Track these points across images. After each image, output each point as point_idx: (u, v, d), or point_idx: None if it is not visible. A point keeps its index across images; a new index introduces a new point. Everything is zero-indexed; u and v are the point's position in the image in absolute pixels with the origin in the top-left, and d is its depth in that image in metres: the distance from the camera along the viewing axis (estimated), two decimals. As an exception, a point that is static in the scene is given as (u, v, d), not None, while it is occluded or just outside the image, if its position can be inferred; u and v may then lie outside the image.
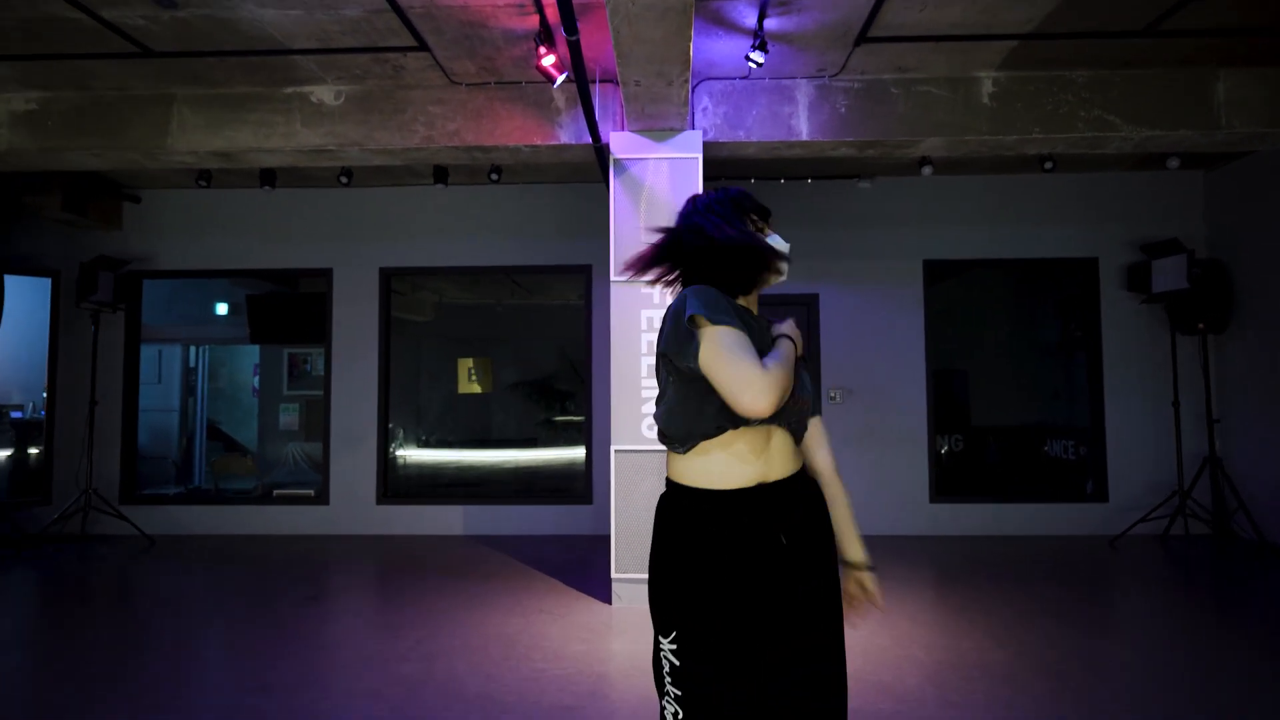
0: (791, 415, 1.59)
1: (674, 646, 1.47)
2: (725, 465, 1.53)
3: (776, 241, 1.68)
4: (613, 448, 4.63)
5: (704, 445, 1.54)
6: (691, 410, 1.54)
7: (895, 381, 6.83)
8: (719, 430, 1.52)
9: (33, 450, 7.08)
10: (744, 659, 1.45)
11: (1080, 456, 7.03)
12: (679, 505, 1.56)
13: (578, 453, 7.27)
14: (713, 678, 1.43)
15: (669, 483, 1.61)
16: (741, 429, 1.53)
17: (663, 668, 1.49)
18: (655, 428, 1.64)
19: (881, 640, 3.87)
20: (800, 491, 1.60)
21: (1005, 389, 7.74)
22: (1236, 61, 4.72)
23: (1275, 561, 5.54)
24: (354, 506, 6.95)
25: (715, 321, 1.46)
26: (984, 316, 7.81)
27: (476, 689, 3.28)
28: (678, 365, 1.53)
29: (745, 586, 1.47)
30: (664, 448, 1.62)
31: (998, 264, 7.05)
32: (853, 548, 1.71)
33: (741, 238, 1.61)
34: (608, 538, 5.74)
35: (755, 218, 1.71)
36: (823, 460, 1.73)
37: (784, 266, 1.66)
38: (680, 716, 1.45)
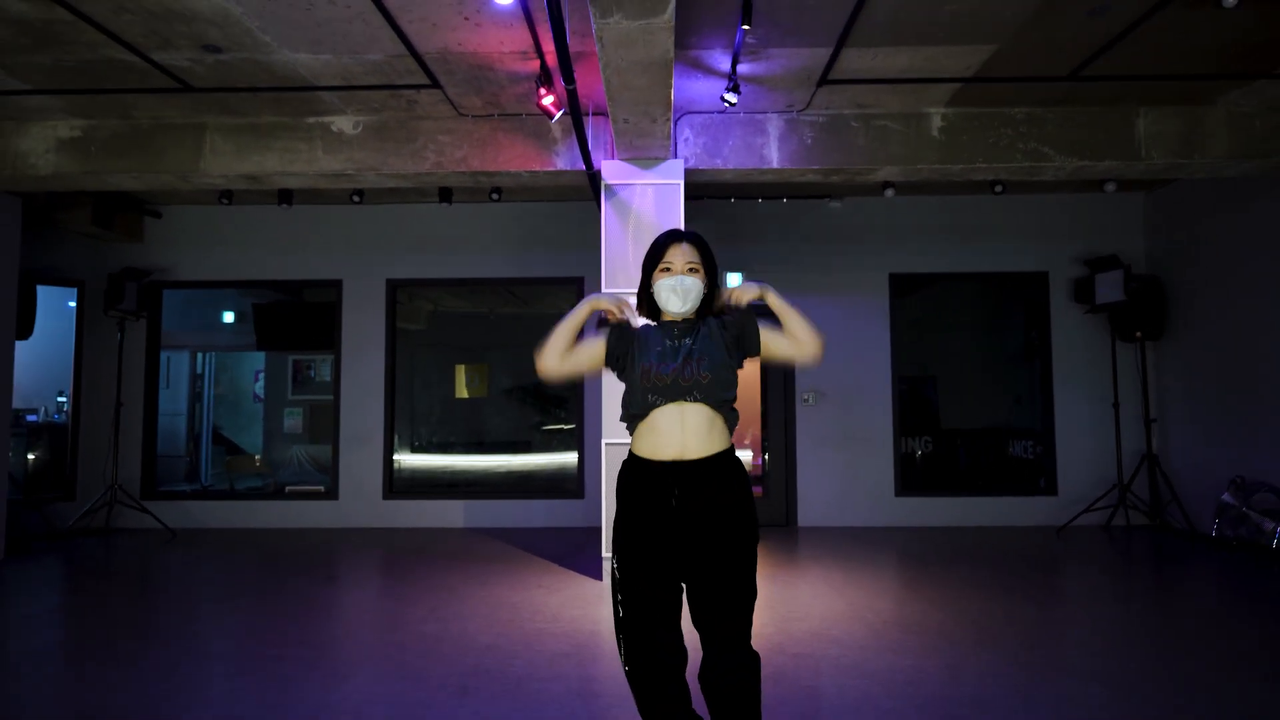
0: (672, 391, 2.09)
1: (615, 561, 2.12)
2: (650, 440, 2.11)
3: (663, 287, 2.15)
4: (604, 441, 5.18)
5: (639, 425, 2.14)
6: (624, 397, 2.17)
7: (864, 386, 7.43)
8: (639, 413, 2.11)
9: (33, 455, 7.49)
10: (645, 572, 2.06)
11: (1037, 455, 7.64)
12: (625, 467, 2.18)
13: (569, 458, 7.81)
14: (630, 581, 2.07)
15: (629, 451, 2.22)
16: (656, 409, 2.09)
17: (613, 577, 2.12)
18: None
19: (837, 606, 4.44)
20: (705, 471, 2.06)
21: (973, 394, 8.33)
22: (1154, 100, 5.36)
23: (1204, 549, 6.15)
24: (362, 501, 7.47)
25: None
26: (954, 326, 8.40)
27: (488, 642, 3.82)
28: None
29: (645, 527, 2.07)
30: None
31: (957, 277, 7.67)
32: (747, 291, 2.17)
33: (641, 288, 2.27)
34: (598, 529, 6.28)
35: (656, 268, 2.18)
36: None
37: (668, 303, 2.16)
38: (621, 605, 2.08)
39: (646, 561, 2.05)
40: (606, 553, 5.12)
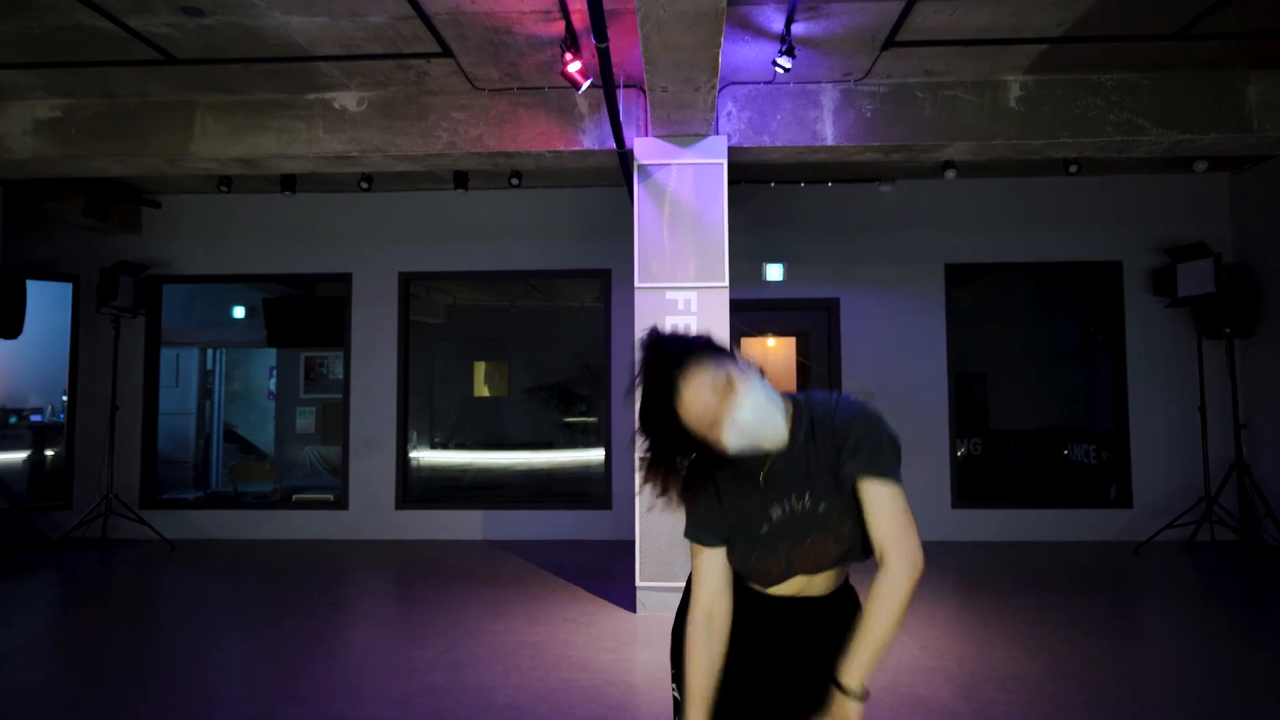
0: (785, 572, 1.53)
1: (676, 690, 1.62)
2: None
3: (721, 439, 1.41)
4: (637, 455, 4.59)
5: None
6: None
7: (917, 387, 6.78)
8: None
9: (49, 452, 7.13)
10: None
11: (1102, 461, 6.96)
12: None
13: (594, 454, 7.25)
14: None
15: None
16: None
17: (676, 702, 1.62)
18: None
19: (911, 650, 3.83)
20: (821, 610, 1.57)
21: (1024, 392, 7.67)
22: (1268, 64, 4.66)
23: (1305, 569, 5.47)
24: (373, 512, 6.95)
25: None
26: (1002, 318, 7.74)
27: (506, 699, 3.26)
28: None
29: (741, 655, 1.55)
30: None
31: (1020, 268, 6.99)
32: (848, 668, 1.41)
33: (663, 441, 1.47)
34: (627, 543, 5.72)
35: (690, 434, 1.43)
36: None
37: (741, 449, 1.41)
38: None
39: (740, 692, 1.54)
40: (640, 580, 4.54)
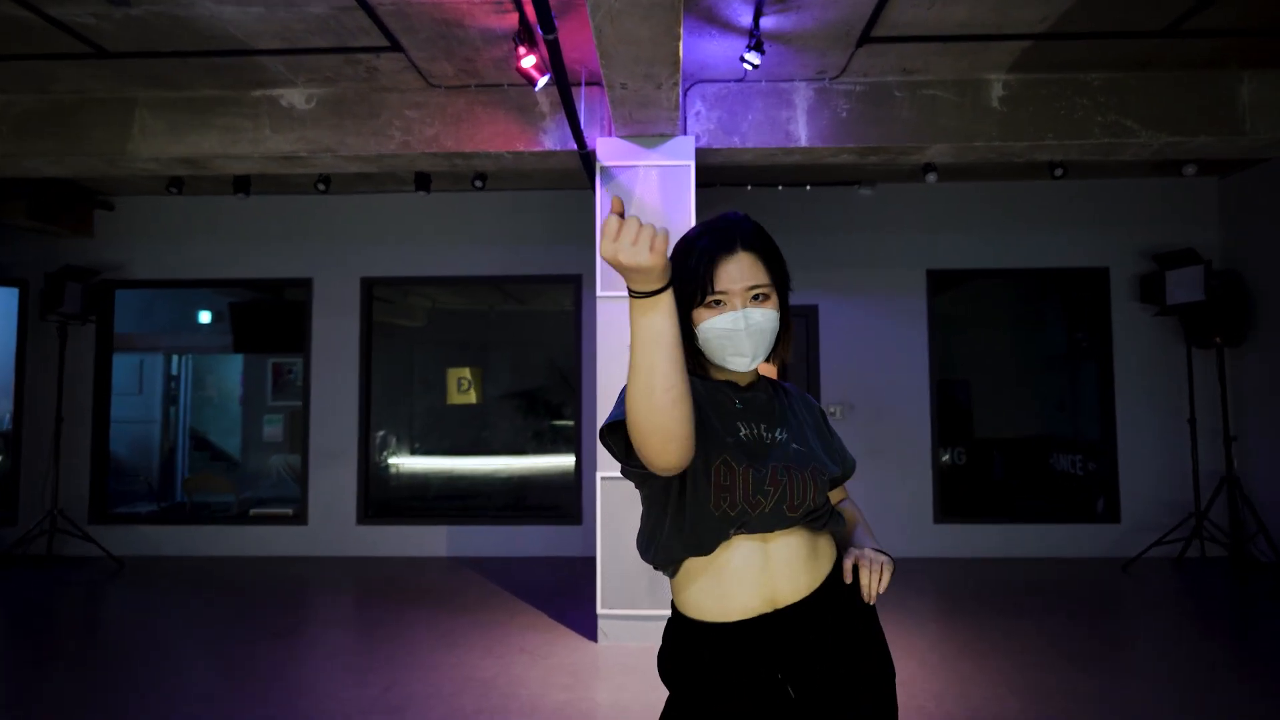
0: (770, 518, 1.26)
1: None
2: (718, 589, 1.25)
3: (715, 331, 1.29)
4: (599, 474, 4.34)
5: (689, 564, 1.27)
6: (652, 522, 1.26)
7: (898, 397, 6.56)
8: (699, 548, 1.25)
9: None
10: None
11: (1089, 471, 6.75)
12: (678, 641, 1.31)
13: (567, 460, 6.99)
14: None
15: (672, 607, 1.36)
16: (731, 540, 1.25)
17: None
18: None
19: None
20: (819, 616, 1.28)
21: (1009, 399, 7.45)
22: (1261, 63, 4.45)
23: (1298, 589, 5.27)
24: (334, 527, 6.67)
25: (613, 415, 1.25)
26: (986, 325, 7.52)
27: (444, 749, 2.99)
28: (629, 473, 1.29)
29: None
30: None
31: (1004, 274, 6.77)
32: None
33: None
34: (595, 560, 5.45)
35: (699, 298, 1.30)
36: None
37: (727, 357, 1.30)
38: None
39: None
40: (602, 608, 4.28)
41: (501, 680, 3.71)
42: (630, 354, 1.07)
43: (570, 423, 7.05)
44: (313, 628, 4.84)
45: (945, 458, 6.80)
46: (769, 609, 1.24)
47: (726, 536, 1.24)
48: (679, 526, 1.24)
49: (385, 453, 7.17)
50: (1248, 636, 4.50)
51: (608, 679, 3.74)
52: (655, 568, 1.31)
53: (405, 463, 7.66)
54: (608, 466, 4.32)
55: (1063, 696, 3.47)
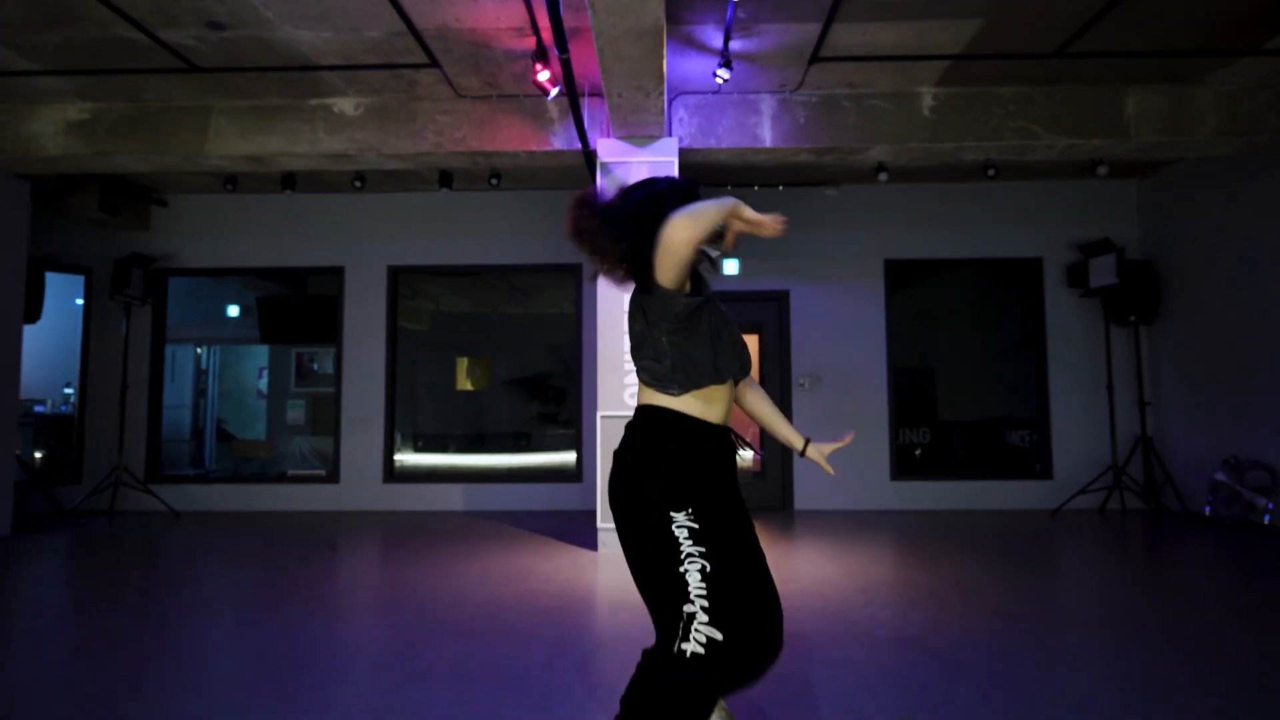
0: (737, 369, 2.09)
1: (692, 515, 1.86)
2: (709, 406, 2.05)
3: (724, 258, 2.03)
4: (599, 414, 5.26)
5: (695, 392, 2.04)
6: (686, 357, 2.02)
7: (860, 371, 7.49)
8: (709, 379, 2.04)
9: (39, 454, 7.58)
10: (723, 526, 1.98)
11: (1033, 443, 7.67)
12: (677, 421, 2.02)
13: (568, 456, 7.84)
14: (719, 532, 1.88)
15: (653, 408, 2.06)
16: (716, 385, 2.08)
17: (677, 540, 1.82)
18: (636, 396, 2.07)
19: (829, 571, 4.49)
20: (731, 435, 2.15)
21: (969, 385, 8.36)
22: (1143, 79, 5.43)
23: (1196, 528, 6.18)
24: (362, 485, 7.55)
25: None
26: (951, 318, 8.44)
27: (482, 599, 3.89)
28: (661, 315, 1.92)
29: (718, 482, 2.03)
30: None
31: (953, 265, 7.74)
32: (795, 437, 2.25)
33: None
34: (596, 512, 6.35)
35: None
36: (755, 399, 2.30)
37: (722, 270, 2.15)
38: (707, 567, 1.79)
39: (726, 513, 1.98)
40: (601, 522, 5.18)
41: (520, 570, 4.60)
42: (697, 217, 1.76)
43: (568, 429, 7.91)
44: (357, 548, 5.72)
45: (917, 448, 7.68)
46: (721, 422, 2.10)
47: (725, 376, 2.09)
48: (715, 369, 2.02)
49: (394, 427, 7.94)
50: (1141, 556, 5.42)
51: (605, 568, 4.64)
52: (669, 386, 2.00)
53: (408, 459, 8.40)
54: (607, 408, 5.23)
55: (972, 582, 4.37)
